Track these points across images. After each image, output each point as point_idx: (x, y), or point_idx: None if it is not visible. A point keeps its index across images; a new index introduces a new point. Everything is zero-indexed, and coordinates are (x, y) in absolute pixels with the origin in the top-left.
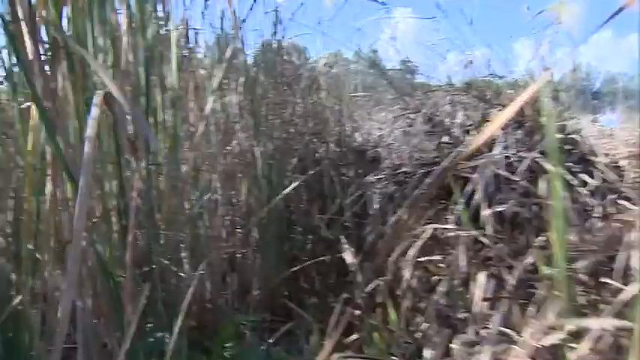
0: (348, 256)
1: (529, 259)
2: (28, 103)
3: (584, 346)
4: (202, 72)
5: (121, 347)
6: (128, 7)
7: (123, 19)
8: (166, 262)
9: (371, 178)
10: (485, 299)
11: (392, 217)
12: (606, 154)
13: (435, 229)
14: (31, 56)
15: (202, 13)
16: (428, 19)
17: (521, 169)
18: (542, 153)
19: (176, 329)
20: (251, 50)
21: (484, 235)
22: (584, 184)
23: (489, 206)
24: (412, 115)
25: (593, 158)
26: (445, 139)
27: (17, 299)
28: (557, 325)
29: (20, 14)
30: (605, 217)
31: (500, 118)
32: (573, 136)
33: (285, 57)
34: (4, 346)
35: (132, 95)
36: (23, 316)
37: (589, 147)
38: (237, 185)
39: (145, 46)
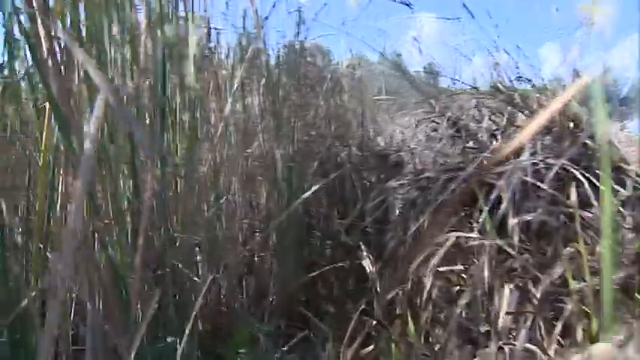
0: (367, 264)
1: (556, 271)
2: (45, 103)
3: None
4: (224, 72)
5: (129, 351)
6: (147, 4)
7: (142, 17)
8: (180, 265)
9: (393, 183)
10: (508, 313)
11: (414, 223)
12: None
13: (458, 237)
14: (46, 55)
15: (224, 12)
16: (453, 21)
17: (549, 177)
18: (571, 160)
19: (186, 333)
20: (273, 51)
21: (509, 245)
22: (615, 193)
23: (516, 214)
24: (437, 119)
25: (624, 166)
26: (470, 143)
27: (25, 300)
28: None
29: (36, 9)
30: (636, 228)
31: (533, 124)
32: None
33: (308, 58)
34: (12, 347)
35: (150, 94)
36: (31, 317)
37: (619, 155)
38: (257, 188)
39: (165, 44)
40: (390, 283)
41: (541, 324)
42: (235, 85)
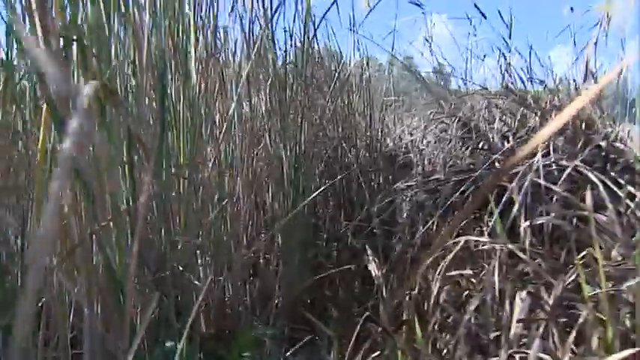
0: (373, 268)
1: (570, 277)
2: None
3: None
4: (229, 71)
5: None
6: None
7: (146, 14)
8: (181, 268)
9: (401, 185)
10: (520, 320)
11: (422, 226)
12: None
13: (468, 240)
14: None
15: (231, 8)
16: (465, 22)
17: (562, 179)
18: (584, 161)
19: (184, 336)
20: (280, 50)
21: (521, 249)
22: (632, 196)
23: (528, 218)
24: (446, 120)
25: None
26: (481, 145)
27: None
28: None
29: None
30: None
31: (547, 129)
32: (617, 144)
33: (316, 58)
34: (7, 349)
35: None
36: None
37: (634, 156)
38: (263, 189)
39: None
40: (396, 288)
41: (554, 332)
42: (241, 85)
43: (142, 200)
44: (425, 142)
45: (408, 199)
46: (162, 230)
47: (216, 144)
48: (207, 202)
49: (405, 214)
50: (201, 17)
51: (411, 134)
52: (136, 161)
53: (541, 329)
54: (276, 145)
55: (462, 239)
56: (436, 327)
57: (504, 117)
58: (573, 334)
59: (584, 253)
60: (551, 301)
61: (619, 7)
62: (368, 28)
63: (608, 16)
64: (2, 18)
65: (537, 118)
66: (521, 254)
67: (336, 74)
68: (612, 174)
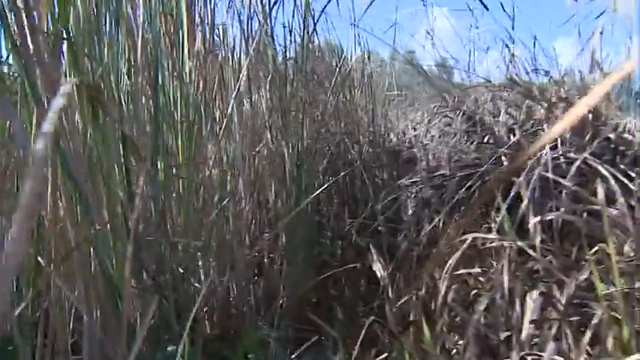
0: (378, 268)
1: (583, 274)
2: None
3: None
4: (228, 68)
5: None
6: None
7: (139, 12)
8: (181, 270)
9: (405, 181)
10: (532, 321)
11: (428, 223)
12: None
13: (475, 237)
14: (31, 51)
15: (229, 3)
16: (467, 14)
17: (571, 172)
18: (593, 154)
19: (184, 339)
20: (280, 46)
21: (530, 246)
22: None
23: (537, 213)
24: (450, 114)
25: None
26: (486, 138)
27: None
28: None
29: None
30: None
31: (558, 126)
32: (626, 136)
33: (316, 53)
34: (4, 354)
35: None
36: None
37: None
38: (265, 187)
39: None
40: (403, 287)
41: (567, 332)
42: (241, 81)
43: (136, 202)
44: (429, 136)
45: (412, 195)
46: (161, 232)
47: (216, 142)
48: (208, 202)
49: (410, 211)
50: (199, 14)
51: (415, 129)
52: (131, 163)
53: (554, 329)
54: (277, 143)
55: (470, 236)
56: (444, 328)
57: (510, 109)
58: (588, 334)
59: (595, 248)
60: (563, 300)
61: None
62: (368, 21)
63: (614, 4)
64: None
65: (544, 111)
66: (531, 251)
67: (337, 69)
68: (622, 166)
